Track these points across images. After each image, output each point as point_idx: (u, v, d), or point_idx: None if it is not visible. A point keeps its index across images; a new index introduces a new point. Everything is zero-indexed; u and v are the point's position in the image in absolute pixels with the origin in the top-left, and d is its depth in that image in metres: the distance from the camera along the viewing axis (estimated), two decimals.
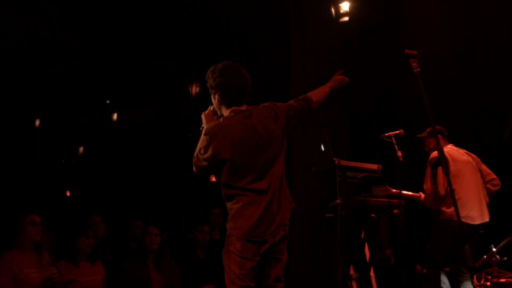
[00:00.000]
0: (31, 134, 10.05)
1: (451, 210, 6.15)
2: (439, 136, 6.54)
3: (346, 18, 8.30)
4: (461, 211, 6.25)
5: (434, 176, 4.96)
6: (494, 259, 4.70)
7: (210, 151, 4.22)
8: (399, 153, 5.75)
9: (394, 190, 6.09)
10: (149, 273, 6.49)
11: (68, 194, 10.51)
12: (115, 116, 10.50)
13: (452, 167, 6.28)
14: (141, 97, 9.87)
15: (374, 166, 5.89)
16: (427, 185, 6.22)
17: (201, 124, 4.50)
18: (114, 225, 7.73)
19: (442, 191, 6.20)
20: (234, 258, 4.19)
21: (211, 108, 4.53)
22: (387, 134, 5.95)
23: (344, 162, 5.80)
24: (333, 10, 8.31)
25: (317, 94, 4.72)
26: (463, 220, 6.27)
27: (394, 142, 5.86)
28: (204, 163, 4.26)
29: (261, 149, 4.26)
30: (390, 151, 5.91)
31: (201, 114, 4.56)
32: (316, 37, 8.42)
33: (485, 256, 4.86)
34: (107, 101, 10.48)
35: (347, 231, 5.97)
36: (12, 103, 8.89)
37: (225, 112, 4.39)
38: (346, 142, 8.43)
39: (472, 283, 4.77)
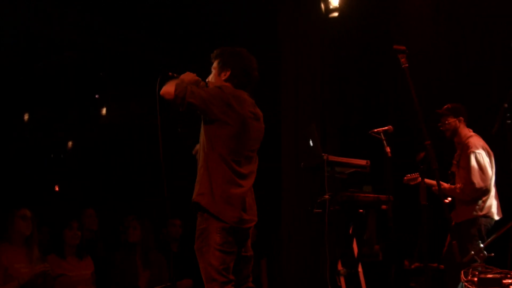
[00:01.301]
0: (20, 128, 10.01)
1: (488, 205, 6.25)
2: (461, 119, 6.49)
3: (335, 14, 8.28)
4: (492, 207, 6.31)
5: (423, 172, 4.94)
6: (481, 255, 4.69)
7: (217, 104, 4.11)
8: (388, 149, 5.76)
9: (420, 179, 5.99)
10: (137, 268, 6.48)
11: (57, 188, 10.47)
12: (104, 111, 10.47)
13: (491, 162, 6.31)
14: (130, 92, 9.84)
15: (363, 162, 5.89)
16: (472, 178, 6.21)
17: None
18: (104, 220, 7.69)
19: (489, 185, 6.23)
20: (213, 252, 4.04)
21: (199, 79, 4.42)
22: (376, 130, 5.95)
23: (333, 158, 5.81)
24: (322, 5, 8.28)
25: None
26: (491, 216, 6.31)
27: (383, 138, 5.87)
28: (196, 102, 4.06)
29: (254, 137, 4.31)
30: (378, 147, 5.91)
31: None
32: (306, 33, 8.40)
33: (472, 252, 4.85)
34: (96, 96, 10.45)
35: (335, 227, 5.97)
36: (0, 98, 8.85)
37: None
38: (335, 138, 8.42)
39: (460, 279, 4.78)
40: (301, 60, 8.35)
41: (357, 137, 8.24)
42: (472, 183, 6.15)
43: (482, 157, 6.25)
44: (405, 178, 6.45)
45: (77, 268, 5.96)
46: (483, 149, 6.32)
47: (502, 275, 4.19)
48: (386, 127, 5.91)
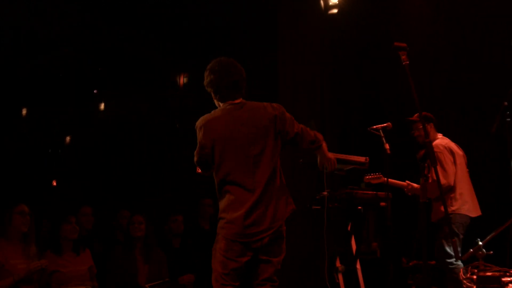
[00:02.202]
0: (18, 124, 9.98)
1: (458, 203, 6.31)
2: (431, 124, 6.57)
3: (335, 10, 8.27)
4: (464, 204, 6.34)
5: (423, 169, 4.94)
6: (480, 253, 4.70)
7: (198, 144, 4.25)
8: (387, 146, 5.75)
9: (384, 178, 6.08)
10: (136, 263, 6.48)
11: (55, 184, 10.45)
12: (102, 106, 10.44)
13: (457, 160, 6.35)
14: (128, 87, 9.82)
15: (362, 159, 5.88)
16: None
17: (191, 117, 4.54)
18: (101, 215, 7.68)
19: (452, 182, 6.31)
20: (218, 257, 4.18)
21: None
22: (374, 126, 5.95)
23: (332, 154, 5.79)
24: (322, 2, 8.27)
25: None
26: (466, 213, 6.34)
27: (382, 134, 5.87)
28: (196, 158, 4.26)
29: (247, 141, 4.23)
30: (377, 144, 5.91)
31: (189, 104, 4.58)
32: (306, 31, 8.40)
33: (471, 250, 4.86)
34: (95, 91, 10.42)
35: (334, 224, 5.96)
36: None
37: None
38: (334, 134, 8.42)
39: (459, 276, 4.79)
40: (300, 58, 8.35)
41: (356, 135, 8.24)
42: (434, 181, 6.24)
43: (443, 156, 6.37)
44: (366, 177, 6.45)
45: (73, 264, 5.94)
46: (446, 148, 6.47)
47: (501, 273, 4.19)
48: (385, 124, 5.91)
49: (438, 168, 6.22)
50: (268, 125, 4.28)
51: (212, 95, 4.45)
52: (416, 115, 6.55)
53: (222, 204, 4.25)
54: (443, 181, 6.21)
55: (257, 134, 4.25)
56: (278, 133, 4.31)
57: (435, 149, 6.32)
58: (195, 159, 4.27)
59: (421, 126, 6.46)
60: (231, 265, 4.15)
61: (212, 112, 4.36)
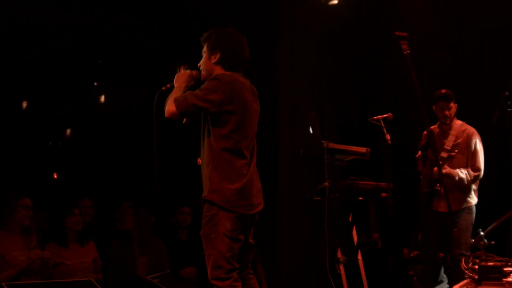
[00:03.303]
0: (18, 116, 9.98)
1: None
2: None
3: (335, 1, 8.25)
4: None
5: (424, 158, 4.94)
6: (482, 243, 4.69)
7: (218, 95, 4.05)
8: (388, 137, 5.73)
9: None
10: (134, 255, 6.49)
11: (56, 176, 10.45)
12: (102, 98, 10.44)
13: None
14: (129, 79, 9.81)
15: (363, 149, 5.88)
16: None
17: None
18: (101, 208, 7.69)
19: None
20: (223, 239, 4.02)
21: (191, 72, 4.40)
22: (375, 117, 5.93)
23: (332, 145, 5.80)
24: None
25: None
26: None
27: (383, 125, 5.85)
28: (198, 103, 4.05)
29: (256, 117, 4.30)
30: (378, 134, 5.90)
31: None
32: (304, 21, 8.38)
33: (473, 240, 4.86)
34: (95, 83, 10.40)
35: (335, 214, 5.96)
36: None
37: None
38: (335, 125, 8.41)
39: (460, 267, 4.79)
40: (300, 50, 8.33)
41: (356, 126, 8.23)
42: (480, 169, 6.23)
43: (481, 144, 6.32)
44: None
45: (77, 256, 5.95)
46: None
47: (503, 263, 4.19)
48: (386, 115, 5.89)
49: (478, 156, 6.25)
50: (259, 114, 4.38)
51: (217, 57, 4.28)
52: (444, 91, 6.48)
53: (222, 173, 4.09)
54: (481, 170, 6.28)
55: (258, 116, 4.33)
56: None
57: (476, 135, 6.36)
58: (195, 102, 4.05)
59: (452, 105, 6.42)
60: (236, 246, 4.07)
61: (230, 73, 4.24)
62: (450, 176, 6.11)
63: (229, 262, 4.02)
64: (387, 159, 5.80)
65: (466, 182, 6.19)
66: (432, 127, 6.55)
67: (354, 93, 8.68)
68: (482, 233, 4.66)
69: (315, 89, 8.35)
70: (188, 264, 6.93)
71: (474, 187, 6.34)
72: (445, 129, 6.44)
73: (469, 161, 6.28)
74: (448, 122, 6.43)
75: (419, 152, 6.46)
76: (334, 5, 8.29)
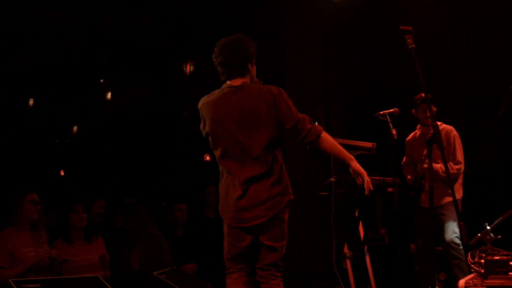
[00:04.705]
0: (25, 113, 10.02)
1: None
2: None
3: None
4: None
5: (430, 152, 4.93)
6: (488, 237, 4.68)
7: (201, 122, 4.27)
8: (394, 131, 5.73)
9: None
10: (133, 250, 6.54)
11: (62, 173, 10.50)
12: (109, 95, 10.48)
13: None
14: (135, 76, 9.84)
15: (369, 144, 5.86)
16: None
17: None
18: (107, 204, 7.72)
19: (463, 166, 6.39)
20: (224, 241, 4.26)
21: None
22: (381, 112, 5.93)
23: (338, 140, 5.77)
24: None
25: (332, 146, 4.27)
26: None
27: (389, 120, 5.85)
28: (203, 133, 4.29)
29: (236, 126, 4.09)
30: (384, 129, 5.90)
31: (195, 92, 4.57)
32: (310, 15, 8.37)
33: (479, 234, 4.85)
34: (101, 80, 10.45)
35: (341, 210, 5.96)
36: (5, 83, 8.85)
37: None
38: (341, 120, 8.41)
39: (466, 261, 4.79)
40: (306, 44, 8.32)
41: (362, 121, 8.22)
42: (461, 162, 6.35)
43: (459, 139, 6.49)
44: None
45: (83, 253, 5.94)
46: None
47: (509, 257, 4.19)
48: (392, 110, 5.89)
49: (458, 150, 6.30)
50: (262, 112, 4.07)
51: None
52: (423, 95, 6.50)
53: (219, 186, 4.30)
54: (462, 163, 6.35)
55: (247, 121, 4.07)
56: (275, 121, 4.08)
57: (454, 132, 6.36)
58: (203, 133, 4.30)
59: (425, 107, 6.44)
60: (233, 250, 4.19)
61: (212, 93, 4.28)
62: (435, 172, 6.14)
63: (228, 263, 4.24)
64: (393, 154, 5.80)
65: (450, 175, 6.23)
66: (413, 132, 6.64)
67: (361, 88, 8.67)
68: (488, 228, 4.65)
69: (321, 84, 8.35)
70: (187, 260, 6.95)
71: (459, 181, 6.41)
72: (426, 131, 6.49)
73: (450, 156, 6.35)
74: (429, 123, 6.46)
75: (404, 159, 6.57)
76: (340, 0, 8.27)
